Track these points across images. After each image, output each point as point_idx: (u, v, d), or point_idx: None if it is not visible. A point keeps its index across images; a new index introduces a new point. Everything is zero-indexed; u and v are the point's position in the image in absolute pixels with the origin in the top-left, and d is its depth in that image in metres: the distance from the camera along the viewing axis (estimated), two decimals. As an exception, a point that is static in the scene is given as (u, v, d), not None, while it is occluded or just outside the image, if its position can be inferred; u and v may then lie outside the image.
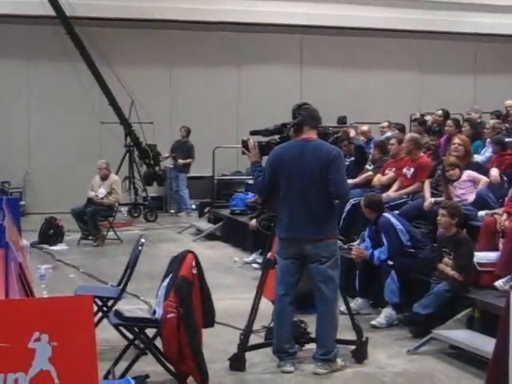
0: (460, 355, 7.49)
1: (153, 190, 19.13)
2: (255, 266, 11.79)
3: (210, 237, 15.14)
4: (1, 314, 4.51)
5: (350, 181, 10.00)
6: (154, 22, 19.81)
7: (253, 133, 7.67)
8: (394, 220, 9.07)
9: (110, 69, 17.08)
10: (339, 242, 7.91)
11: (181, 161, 18.57)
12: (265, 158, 7.41)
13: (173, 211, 19.00)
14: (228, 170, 19.39)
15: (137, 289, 8.96)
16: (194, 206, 18.38)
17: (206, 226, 15.96)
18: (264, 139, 7.58)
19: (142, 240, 7.56)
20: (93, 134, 19.10)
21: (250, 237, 12.90)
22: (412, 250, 8.97)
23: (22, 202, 17.40)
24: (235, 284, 10.98)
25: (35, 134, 19.31)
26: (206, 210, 17.03)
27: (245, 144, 7.43)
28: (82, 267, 12.00)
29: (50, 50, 18.91)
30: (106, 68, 17.18)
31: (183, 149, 18.74)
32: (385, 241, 8.94)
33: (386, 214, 9.15)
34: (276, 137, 7.55)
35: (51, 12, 16.73)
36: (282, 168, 7.04)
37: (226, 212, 15.42)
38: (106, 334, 6.99)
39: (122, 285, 7.56)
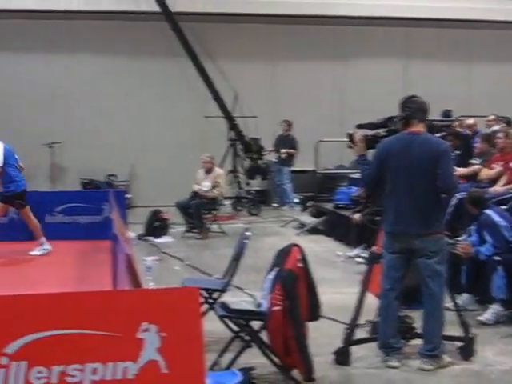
0: None
1: (256, 184, 19.24)
2: (358, 260, 11.73)
3: (313, 231, 15.11)
4: (110, 304, 4.60)
5: (457, 172, 9.79)
6: (256, 17, 19.89)
7: (359, 126, 7.61)
8: (495, 217, 8.84)
9: (213, 64, 17.25)
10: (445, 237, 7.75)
11: (283, 150, 18.57)
12: (370, 152, 7.35)
13: (276, 205, 19.04)
14: (331, 164, 19.30)
15: (241, 281, 8.99)
16: (296, 200, 18.36)
17: (309, 219, 15.95)
18: (370, 133, 7.51)
19: (248, 233, 7.59)
20: (197, 128, 19.34)
21: (353, 231, 12.82)
22: (518, 246, 8.73)
23: (129, 195, 17.74)
24: (338, 278, 10.93)
25: (140, 128, 19.65)
26: (308, 204, 17.02)
27: (351, 137, 7.38)
28: (187, 259, 12.16)
29: (153, 46, 19.22)
30: (210, 63, 17.36)
31: (286, 142, 18.76)
32: (488, 237, 8.74)
33: (487, 211, 8.93)
34: (381, 130, 7.46)
35: (153, 8, 17.01)
36: (390, 161, 6.95)
37: (329, 206, 15.37)
38: (211, 326, 7.03)
39: (227, 277, 7.61)
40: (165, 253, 12.81)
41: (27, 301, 4.57)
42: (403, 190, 6.90)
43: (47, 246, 12.14)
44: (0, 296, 4.61)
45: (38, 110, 19.38)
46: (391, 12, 20.09)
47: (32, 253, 12.00)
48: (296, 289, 6.31)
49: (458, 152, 12.10)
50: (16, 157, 12.17)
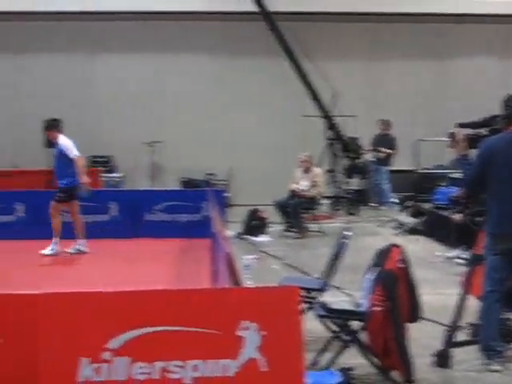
0: None
1: (354, 184, 19.11)
2: (458, 261, 11.52)
3: (412, 231, 14.91)
4: (209, 301, 4.64)
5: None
6: (355, 15, 19.78)
7: (461, 125, 7.48)
8: None
9: (311, 63, 17.21)
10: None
11: (382, 149, 18.40)
12: (472, 152, 7.21)
13: (374, 204, 18.87)
14: (429, 164, 19.01)
15: (339, 281, 8.95)
16: (395, 200, 18.16)
17: (407, 219, 15.74)
18: (472, 132, 7.37)
19: (347, 232, 7.55)
20: (294, 127, 19.37)
21: (453, 231, 12.59)
22: None
23: (227, 194, 17.88)
24: (438, 279, 10.77)
25: (239, 127, 19.78)
26: (408, 204, 16.82)
27: (452, 136, 7.25)
28: (285, 258, 12.17)
29: (252, 46, 19.34)
30: (308, 62, 17.32)
31: (384, 142, 18.57)
32: None
33: None
34: (483, 129, 7.31)
35: (251, 8, 17.08)
36: (493, 161, 6.80)
37: (428, 206, 15.16)
38: (310, 325, 7.01)
39: (325, 276, 7.59)
40: (263, 251, 12.86)
41: (129, 297, 4.65)
42: (507, 191, 6.74)
43: (56, 247, 12.16)
44: (101, 292, 4.71)
45: (141, 109, 19.74)
46: (492, 9, 19.69)
47: (42, 251, 12.13)
48: (397, 289, 6.26)
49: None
50: None
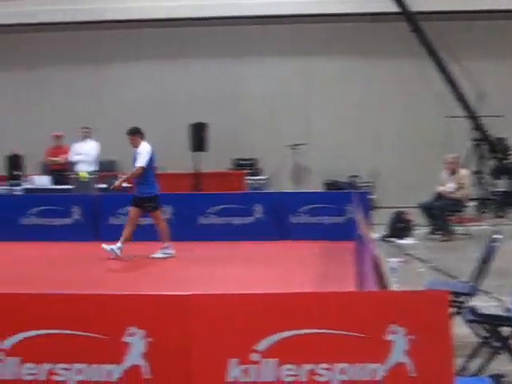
0: None
1: (502, 185, 18.57)
2: None
3: None
4: (357, 305, 4.62)
5: None
6: (501, 13, 19.25)
7: None
8: None
9: (456, 63, 16.87)
10: None
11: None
12: None
13: (523, 206, 18.29)
14: None
15: (487, 285, 8.73)
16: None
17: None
18: None
19: (497, 235, 7.35)
20: (438, 128, 19.04)
21: None
22: None
23: (372, 196, 17.75)
24: None
25: (382, 128, 19.62)
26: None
27: None
28: (431, 261, 11.97)
29: (392, 46, 19.16)
30: (453, 62, 16.99)
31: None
32: None
33: None
34: None
35: (390, 9, 16.91)
36: None
37: None
38: (458, 330, 6.86)
39: (474, 281, 7.41)
40: (408, 254, 12.69)
41: (277, 300, 4.69)
42: None
43: (171, 250, 12.20)
44: (250, 294, 4.78)
45: (286, 111, 19.89)
46: None
47: (153, 255, 12.14)
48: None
49: None
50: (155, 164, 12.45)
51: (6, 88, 20.66)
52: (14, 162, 17.91)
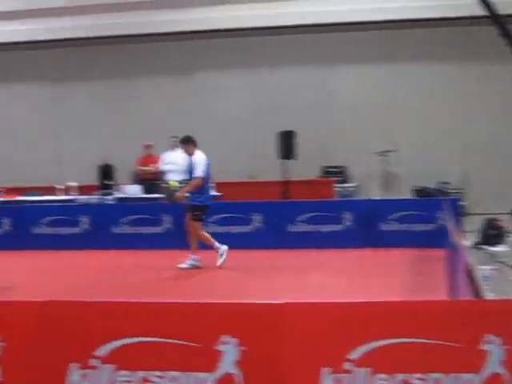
0: None
1: None
2: None
3: None
4: (450, 314, 4.57)
5: None
6: None
7: None
8: None
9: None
10: None
11: None
12: None
13: None
14: None
15: None
16: None
17: None
18: None
19: None
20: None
21: None
22: None
23: (463, 203, 17.45)
24: None
25: (472, 134, 19.30)
26: None
27: None
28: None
29: (482, 52, 18.86)
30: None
31: None
32: None
33: None
34: None
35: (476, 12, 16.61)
36: None
37: None
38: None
39: None
40: (501, 262, 12.43)
41: (369, 308, 4.67)
42: None
43: (196, 262, 12.02)
44: (341, 303, 4.77)
45: (374, 119, 19.77)
46: None
47: (179, 265, 12.02)
48: None
49: None
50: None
51: (99, 100, 21.12)
52: (106, 171, 18.29)
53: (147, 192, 16.29)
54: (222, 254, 11.98)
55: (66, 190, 16.92)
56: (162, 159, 16.42)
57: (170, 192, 15.18)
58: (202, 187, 11.90)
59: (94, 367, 4.82)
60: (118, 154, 19.23)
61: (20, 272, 12.20)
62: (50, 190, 17.33)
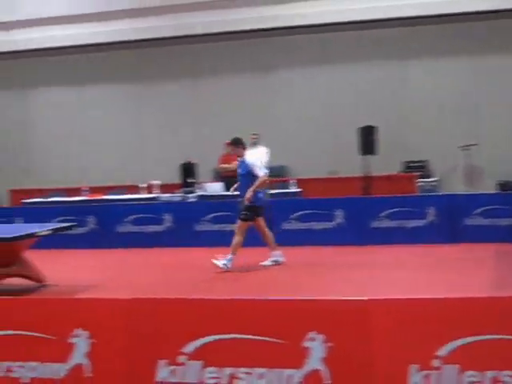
0: None
1: None
2: None
3: None
4: None
5: None
6: None
7: None
8: None
9: None
10: None
11: None
12: None
13: None
14: None
15: None
16: None
17: None
18: None
19: None
20: None
21: None
22: None
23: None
24: None
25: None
26: None
27: None
28: None
29: None
30: None
31: None
32: None
33: None
34: None
35: None
36: None
37: None
38: None
39: None
40: None
41: (453, 304, 4.61)
42: None
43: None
44: (427, 299, 4.72)
45: (455, 112, 19.52)
46: None
47: (262, 263, 11.83)
48: None
49: None
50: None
51: (178, 99, 21.35)
52: (188, 169, 18.46)
53: (229, 189, 16.35)
54: (230, 259, 11.60)
55: (149, 189, 17.14)
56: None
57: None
58: (251, 186, 11.67)
59: (181, 364, 4.88)
60: (200, 152, 19.41)
61: (106, 269, 12.43)
62: (134, 189, 17.61)
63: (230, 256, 11.53)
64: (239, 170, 11.98)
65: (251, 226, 11.83)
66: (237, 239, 11.60)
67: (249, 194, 11.66)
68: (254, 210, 11.70)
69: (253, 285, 10.61)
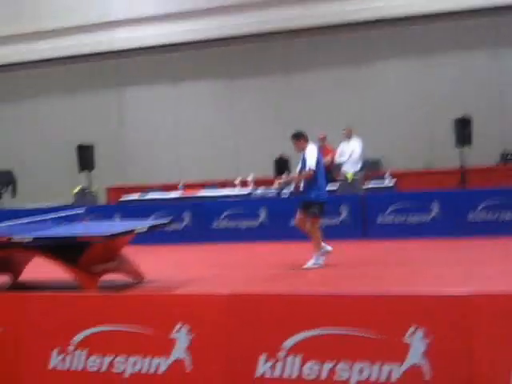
0: None
1: None
2: None
3: None
4: None
5: None
6: None
7: None
8: None
9: None
10: None
11: None
12: None
13: None
14: None
15: None
16: None
17: None
18: None
19: None
20: None
21: None
22: None
23: None
24: None
25: None
26: None
27: None
28: None
29: None
30: None
31: None
32: None
33: None
34: None
35: None
36: None
37: None
38: None
39: None
40: None
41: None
42: None
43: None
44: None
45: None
46: None
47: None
48: None
49: None
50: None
51: (270, 94, 21.44)
52: (281, 165, 18.51)
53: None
54: (318, 257, 11.53)
55: (243, 184, 17.23)
56: (339, 151, 16.30)
57: (346, 183, 15.24)
58: (314, 182, 11.47)
59: (281, 359, 4.91)
60: (292, 146, 19.41)
61: (204, 265, 12.53)
62: (228, 184, 17.74)
63: (318, 254, 11.46)
64: (299, 166, 11.80)
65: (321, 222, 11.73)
66: (315, 238, 11.50)
67: (294, 183, 11.88)
68: (317, 206, 11.45)
69: (349, 279, 10.55)
